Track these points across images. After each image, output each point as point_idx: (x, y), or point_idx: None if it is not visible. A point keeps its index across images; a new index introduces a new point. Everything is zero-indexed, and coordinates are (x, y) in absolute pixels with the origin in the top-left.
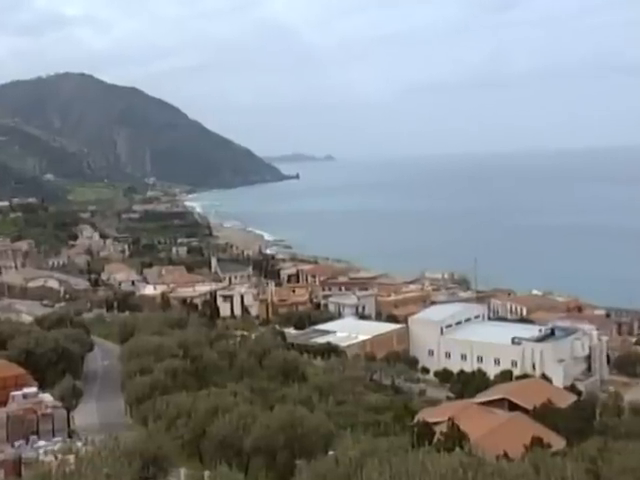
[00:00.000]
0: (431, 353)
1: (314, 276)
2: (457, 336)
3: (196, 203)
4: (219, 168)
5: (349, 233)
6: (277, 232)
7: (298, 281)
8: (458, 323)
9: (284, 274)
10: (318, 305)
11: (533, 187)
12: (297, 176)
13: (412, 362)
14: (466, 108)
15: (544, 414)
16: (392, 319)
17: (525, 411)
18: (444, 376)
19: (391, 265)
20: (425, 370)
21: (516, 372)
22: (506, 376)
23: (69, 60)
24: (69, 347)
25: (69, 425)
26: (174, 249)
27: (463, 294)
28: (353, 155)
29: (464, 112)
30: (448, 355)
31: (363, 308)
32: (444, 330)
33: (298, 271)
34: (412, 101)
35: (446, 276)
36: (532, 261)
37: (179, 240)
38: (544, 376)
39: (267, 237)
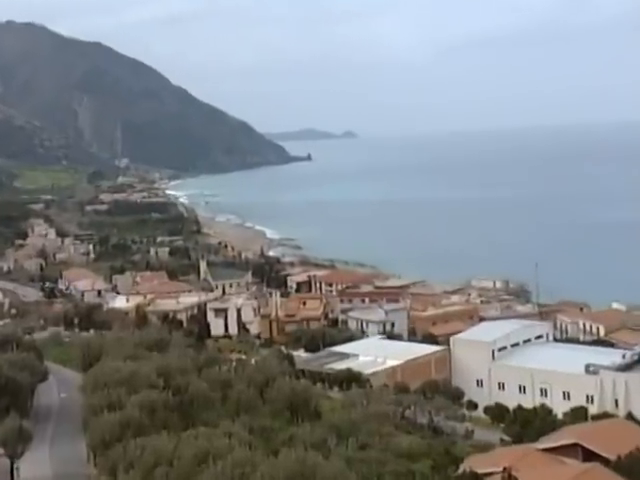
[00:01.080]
0: (480, 383)
1: (330, 284)
2: (514, 362)
3: (181, 192)
4: (210, 148)
5: (374, 230)
6: (283, 229)
7: (310, 291)
8: (515, 345)
9: (292, 282)
10: (335, 321)
11: (627, 169)
12: (308, 157)
13: (455, 395)
14: (530, 69)
15: (630, 466)
16: (429, 339)
17: (605, 461)
18: (497, 413)
19: (428, 271)
20: (472, 405)
21: (592, 410)
22: (579, 415)
23: (12, 5)
24: (15, 377)
25: (13, 479)
26: (152, 250)
27: (521, 308)
28: (379, 131)
29: (526, 74)
30: (502, 386)
31: (392, 325)
32: (497, 354)
33: (310, 278)
34: (455, 62)
35: (499, 285)
36: (612, 267)
37: (159, 239)
38: (630, 416)
39: (271, 235)
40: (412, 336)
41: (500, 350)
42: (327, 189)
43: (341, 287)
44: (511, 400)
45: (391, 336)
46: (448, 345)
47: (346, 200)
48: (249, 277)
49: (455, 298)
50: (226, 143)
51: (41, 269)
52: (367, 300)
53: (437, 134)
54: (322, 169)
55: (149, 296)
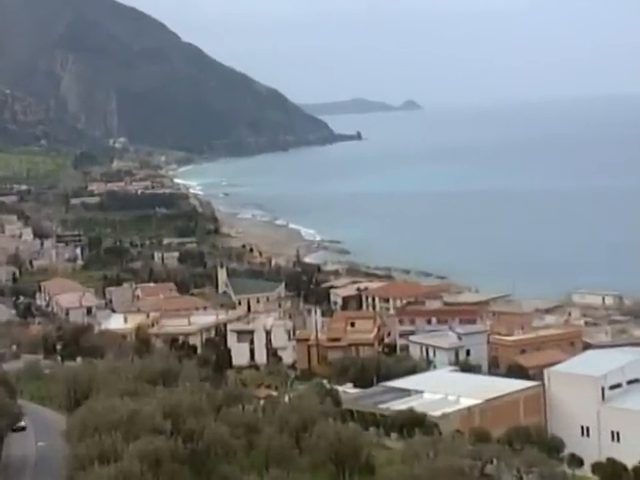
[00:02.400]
0: (586, 432)
1: (386, 300)
2: (632, 404)
3: (194, 181)
4: (231, 123)
5: (443, 230)
6: (325, 228)
7: (360, 308)
8: (633, 382)
9: (337, 296)
10: (393, 348)
11: None
12: (358, 136)
13: (552, 446)
14: None
15: None
16: (517, 372)
17: None
18: (610, 472)
19: (514, 282)
20: (576, 461)
21: None
22: None
23: None
24: None
25: None
26: (157, 256)
27: None
28: (448, 100)
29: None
30: (616, 436)
31: (467, 353)
32: (608, 393)
33: (360, 291)
34: (548, 12)
35: (609, 302)
36: None
37: (166, 241)
38: None
39: (309, 236)
40: (494, 368)
41: (613, 388)
42: (381, 177)
43: (400, 303)
44: (629, 455)
45: (466, 367)
46: (542, 380)
47: (406, 191)
48: (281, 290)
49: (551, 318)
50: (252, 117)
51: (14, 280)
52: (434, 320)
53: (524, 102)
54: (375, 151)
55: (153, 314)
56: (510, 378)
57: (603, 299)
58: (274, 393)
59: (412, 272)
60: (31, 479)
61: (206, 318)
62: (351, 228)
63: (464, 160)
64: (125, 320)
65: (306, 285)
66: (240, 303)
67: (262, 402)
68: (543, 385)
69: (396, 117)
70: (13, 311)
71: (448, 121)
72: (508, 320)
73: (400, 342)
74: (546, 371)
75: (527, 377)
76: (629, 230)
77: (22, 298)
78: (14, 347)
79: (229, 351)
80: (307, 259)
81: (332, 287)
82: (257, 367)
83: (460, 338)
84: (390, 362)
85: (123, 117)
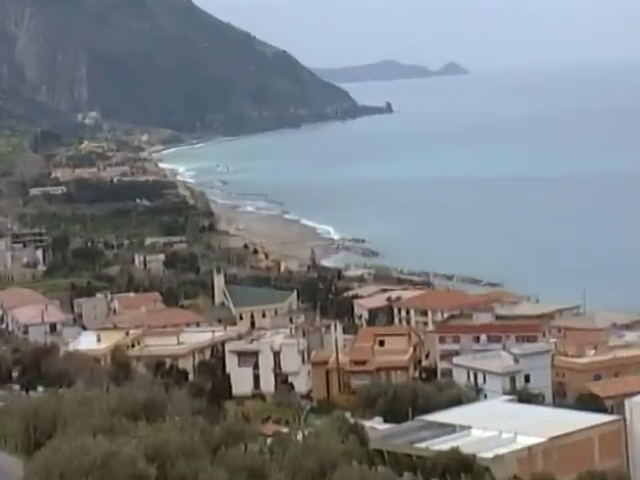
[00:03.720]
0: None
1: (424, 312)
2: None
3: (183, 165)
4: (229, 93)
5: (494, 226)
6: (347, 224)
7: (391, 323)
8: None
9: (363, 308)
10: (433, 372)
11: None
12: (388, 108)
13: None
14: None
15: None
16: (590, 403)
17: None
18: None
19: (584, 291)
20: None
21: None
22: None
23: None
24: None
25: None
26: (138, 259)
27: None
28: (501, 63)
29: None
30: None
31: (526, 379)
32: None
33: (391, 302)
34: None
35: None
36: None
37: (149, 241)
38: None
39: (327, 233)
40: (560, 397)
41: None
42: (416, 159)
43: (442, 317)
44: None
45: (525, 397)
46: (622, 413)
47: (447, 178)
48: (293, 301)
49: (632, 336)
50: (255, 86)
51: None
52: (484, 338)
53: (598, 63)
54: (409, 126)
55: (133, 332)
56: (581, 410)
57: None
58: (284, 429)
59: (456, 278)
60: None
61: (199, 336)
62: (379, 223)
63: (516, 136)
64: (98, 339)
65: (324, 294)
66: (242, 317)
67: (269, 441)
68: (624, 419)
69: (435, 84)
70: None
71: (501, 88)
72: (578, 338)
73: (441, 365)
74: (627, 402)
75: (603, 409)
76: None
77: None
78: None
79: (228, 377)
80: (324, 262)
81: (356, 297)
82: (263, 397)
83: (517, 360)
84: (429, 390)
85: (95, 87)
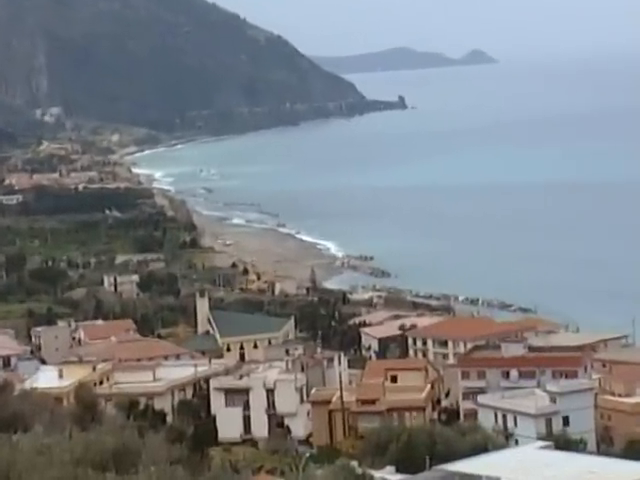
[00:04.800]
0: None
1: (444, 343)
2: None
3: (161, 170)
4: (215, 87)
5: (526, 242)
6: (353, 239)
7: (406, 355)
8: None
9: (372, 338)
10: (454, 414)
11: None
12: (401, 102)
13: None
14: None
15: None
16: None
17: None
18: None
19: (633, 318)
20: None
21: None
22: None
23: None
24: None
25: None
26: (108, 280)
27: None
28: (531, 50)
29: None
30: None
31: (565, 422)
32: None
33: (405, 331)
34: None
35: None
36: None
37: (120, 259)
38: None
39: (329, 250)
40: (605, 444)
41: None
42: (434, 164)
43: (465, 348)
44: None
45: (563, 443)
46: None
47: (470, 185)
48: (290, 329)
49: None
50: (245, 77)
51: None
52: (515, 373)
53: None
54: (426, 124)
55: (102, 366)
56: (630, 460)
57: None
58: None
59: (481, 302)
60: None
61: (179, 371)
62: (389, 238)
63: (556, 137)
64: (60, 375)
65: (326, 322)
66: (229, 349)
67: None
68: None
69: (457, 74)
70: None
71: (534, 79)
72: (626, 373)
73: (464, 405)
74: None
75: None
76: None
77: None
78: None
79: (213, 419)
80: (327, 284)
81: (364, 324)
82: (254, 443)
83: (554, 400)
84: (450, 435)
85: (56, 78)
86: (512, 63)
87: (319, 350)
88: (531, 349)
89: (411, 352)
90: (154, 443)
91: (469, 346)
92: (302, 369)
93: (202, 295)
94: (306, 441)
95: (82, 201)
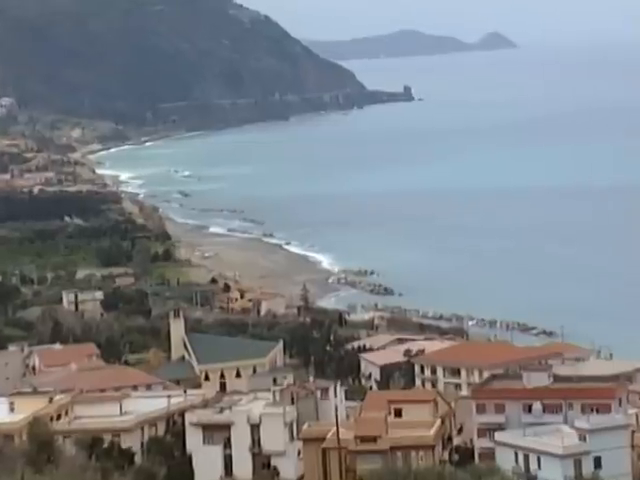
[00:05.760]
0: None
1: (456, 371)
2: None
3: (129, 171)
4: (192, 75)
5: (549, 254)
6: (350, 251)
7: (412, 385)
8: None
9: (373, 365)
10: (468, 453)
11: None
12: (407, 94)
13: None
14: None
15: None
16: None
17: None
18: None
19: None
20: None
21: None
22: None
23: None
24: None
25: None
26: (67, 298)
27: None
28: (557, 34)
29: None
30: None
31: (597, 463)
32: None
33: (411, 357)
34: None
35: None
36: None
37: (81, 274)
38: None
39: (324, 264)
40: None
41: None
42: (442, 166)
43: (480, 377)
44: None
45: None
46: None
47: (482, 189)
48: (278, 355)
49: None
50: (228, 64)
51: None
52: (538, 407)
53: None
54: (434, 119)
55: (60, 398)
56: None
57: None
58: None
59: (499, 324)
60: None
61: (150, 403)
62: (392, 250)
63: (582, 134)
64: (11, 408)
65: (320, 346)
66: (208, 377)
67: None
68: None
69: (472, 61)
70: None
71: (558, 66)
72: None
73: (480, 444)
74: None
75: None
76: None
77: None
78: None
79: (189, 459)
80: (321, 302)
81: (364, 349)
82: None
83: (584, 438)
84: (463, 477)
85: (7, 63)
86: (534, 48)
87: (312, 379)
88: (557, 379)
89: (418, 382)
90: None
91: (485, 375)
92: (292, 401)
93: (177, 315)
94: None
95: (37, 206)
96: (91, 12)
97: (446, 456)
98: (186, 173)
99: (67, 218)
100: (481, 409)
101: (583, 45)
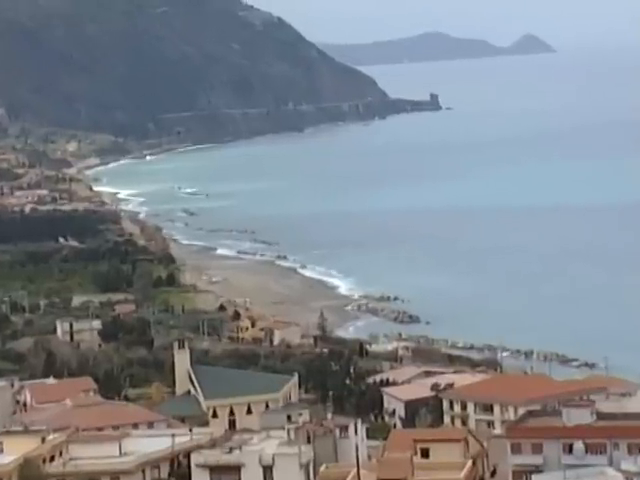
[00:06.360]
0: None
1: (489, 408)
2: None
3: (129, 188)
4: (198, 83)
5: (588, 279)
6: (370, 276)
7: (440, 422)
8: None
9: (397, 400)
10: None
11: None
12: (433, 102)
13: None
14: None
15: None
16: None
17: None
18: None
19: None
20: None
21: None
22: None
23: None
24: None
25: None
26: (62, 328)
27: None
28: (592, 38)
29: None
30: None
31: None
32: None
33: (439, 391)
34: None
35: None
36: None
37: (77, 301)
38: None
39: (343, 289)
40: None
41: None
42: (471, 181)
43: (515, 414)
44: None
45: None
46: None
47: (516, 207)
48: (293, 389)
49: None
50: (238, 71)
51: None
52: (580, 446)
53: None
54: (463, 130)
55: (53, 438)
56: None
57: None
58: None
59: (536, 355)
60: None
61: (153, 443)
62: (417, 274)
63: (629, 147)
64: (0, 449)
65: (338, 380)
66: (216, 414)
67: None
68: None
69: (505, 66)
70: None
71: (599, 73)
72: None
73: None
74: None
75: None
76: None
77: None
78: None
79: None
80: (339, 332)
81: (387, 383)
82: None
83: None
84: None
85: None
86: (573, 52)
87: (330, 416)
88: (600, 416)
89: (447, 419)
90: None
91: (521, 411)
92: (308, 440)
93: (181, 346)
94: None
95: (29, 227)
96: (88, 14)
97: None
98: (192, 190)
99: (62, 239)
100: (516, 449)
101: (625, 51)
